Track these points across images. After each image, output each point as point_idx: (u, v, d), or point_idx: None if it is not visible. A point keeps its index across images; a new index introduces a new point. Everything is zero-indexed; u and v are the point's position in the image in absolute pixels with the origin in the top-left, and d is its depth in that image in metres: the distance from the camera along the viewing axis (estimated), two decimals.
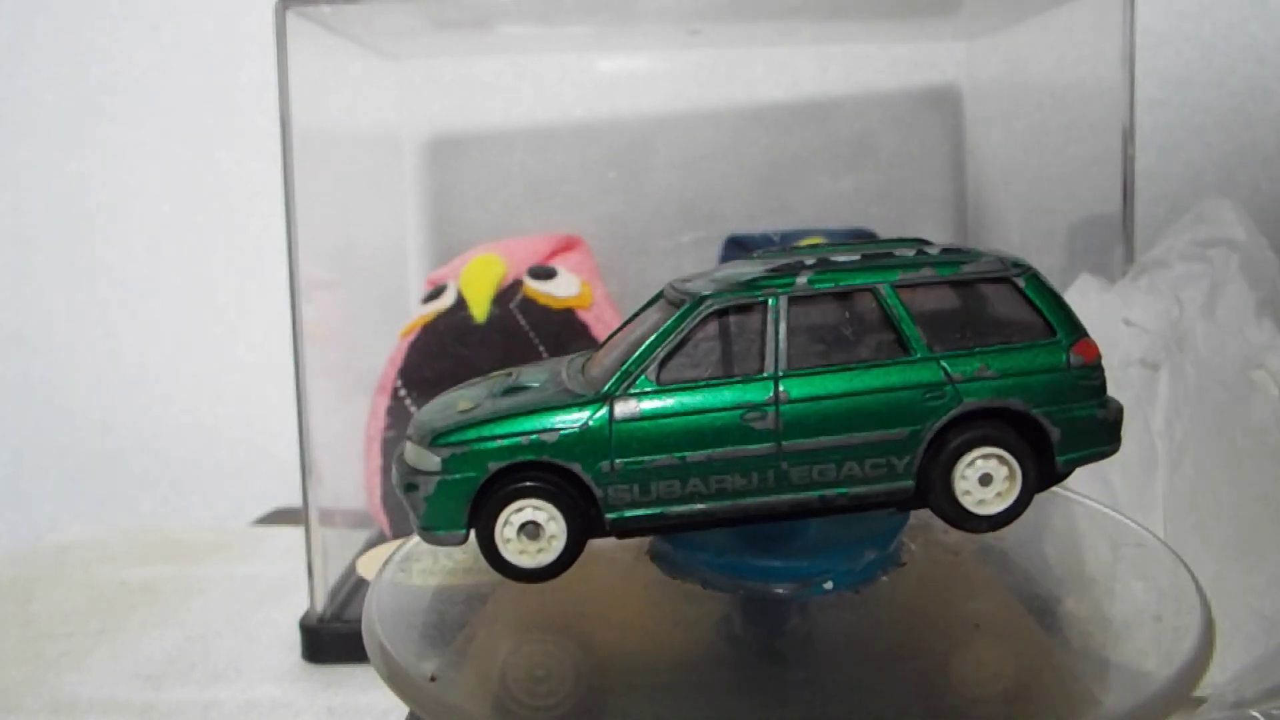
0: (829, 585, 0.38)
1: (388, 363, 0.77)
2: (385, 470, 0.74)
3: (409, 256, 0.95)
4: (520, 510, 0.36)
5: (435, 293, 0.79)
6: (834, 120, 0.93)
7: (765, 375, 0.37)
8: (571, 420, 0.36)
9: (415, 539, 0.43)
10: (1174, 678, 0.32)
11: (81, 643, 0.70)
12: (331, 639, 0.66)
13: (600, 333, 0.75)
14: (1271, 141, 0.88)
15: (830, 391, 0.37)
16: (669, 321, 0.38)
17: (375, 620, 0.37)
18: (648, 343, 0.37)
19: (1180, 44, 0.88)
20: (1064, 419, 0.37)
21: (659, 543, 0.41)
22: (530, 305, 0.76)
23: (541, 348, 0.74)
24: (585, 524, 0.37)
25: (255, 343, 1.02)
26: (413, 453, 0.38)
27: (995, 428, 0.37)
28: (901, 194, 0.93)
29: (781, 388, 0.37)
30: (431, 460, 0.37)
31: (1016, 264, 0.39)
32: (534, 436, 0.36)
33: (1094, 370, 0.38)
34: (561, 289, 0.78)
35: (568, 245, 0.86)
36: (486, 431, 0.36)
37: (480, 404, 0.38)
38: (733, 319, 0.38)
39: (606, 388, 0.37)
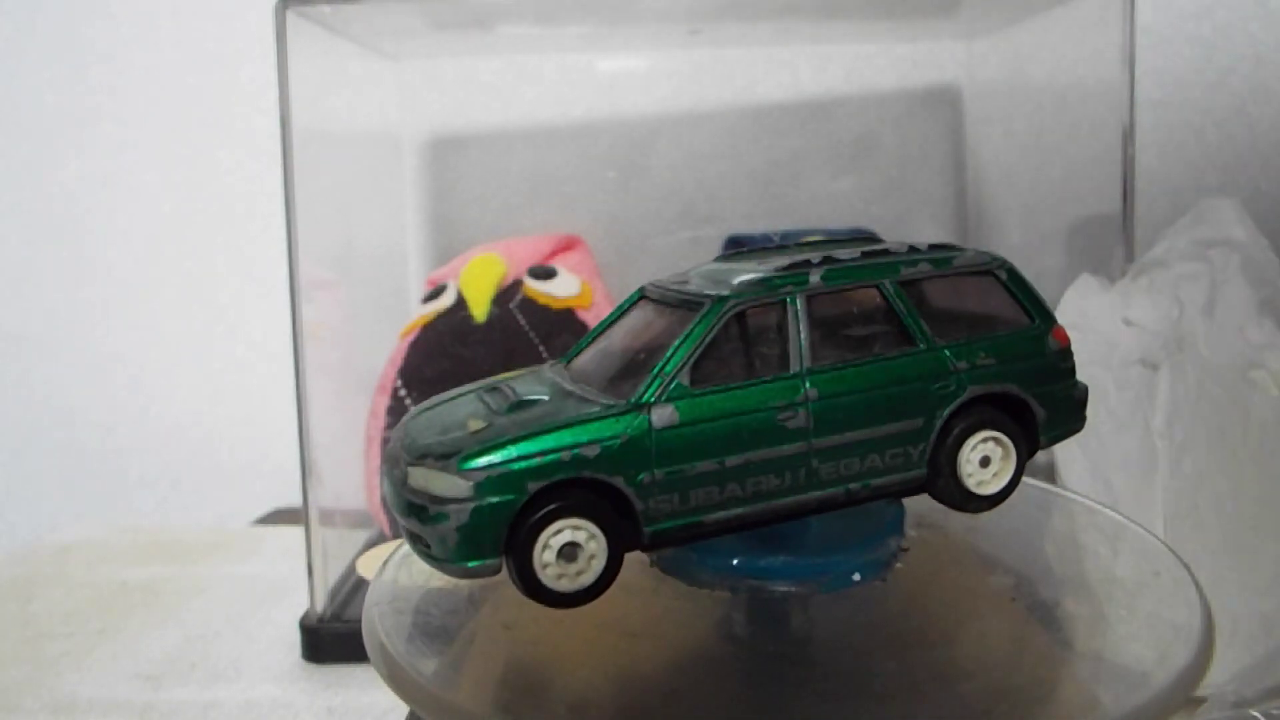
0: (857, 577, 0.39)
1: (388, 363, 0.77)
2: None
3: (409, 256, 0.95)
4: (559, 532, 0.34)
5: (435, 293, 0.79)
6: (834, 120, 0.93)
7: (793, 373, 0.37)
8: (611, 432, 0.34)
9: None
10: (1174, 678, 0.32)
11: (81, 643, 0.70)
12: (331, 639, 0.66)
13: None
14: (1271, 141, 0.88)
15: (853, 386, 0.37)
16: (695, 324, 0.37)
17: (375, 620, 0.37)
18: (676, 346, 0.36)
19: (1180, 44, 0.88)
20: (1048, 400, 0.40)
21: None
22: (530, 305, 0.76)
23: (541, 348, 0.74)
24: (623, 540, 0.35)
25: (255, 343, 1.02)
26: (428, 478, 0.34)
27: (993, 412, 0.39)
28: (901, 194, 0.93)
29: (809, 385, 0.37)
30: (460, 485, 0.33)
31: (994, 257, 0.41)
32: (575, 451, 0.34)
33: (1068, 353, 0.41)
34: (561, 289, 0.78)
35: (568, 245, 0.86)
36: (523, 450, 0.34)
37: (493, 421, 0.36)
38: (751, 319, 0.37)
39: (641, 395, 0.35)
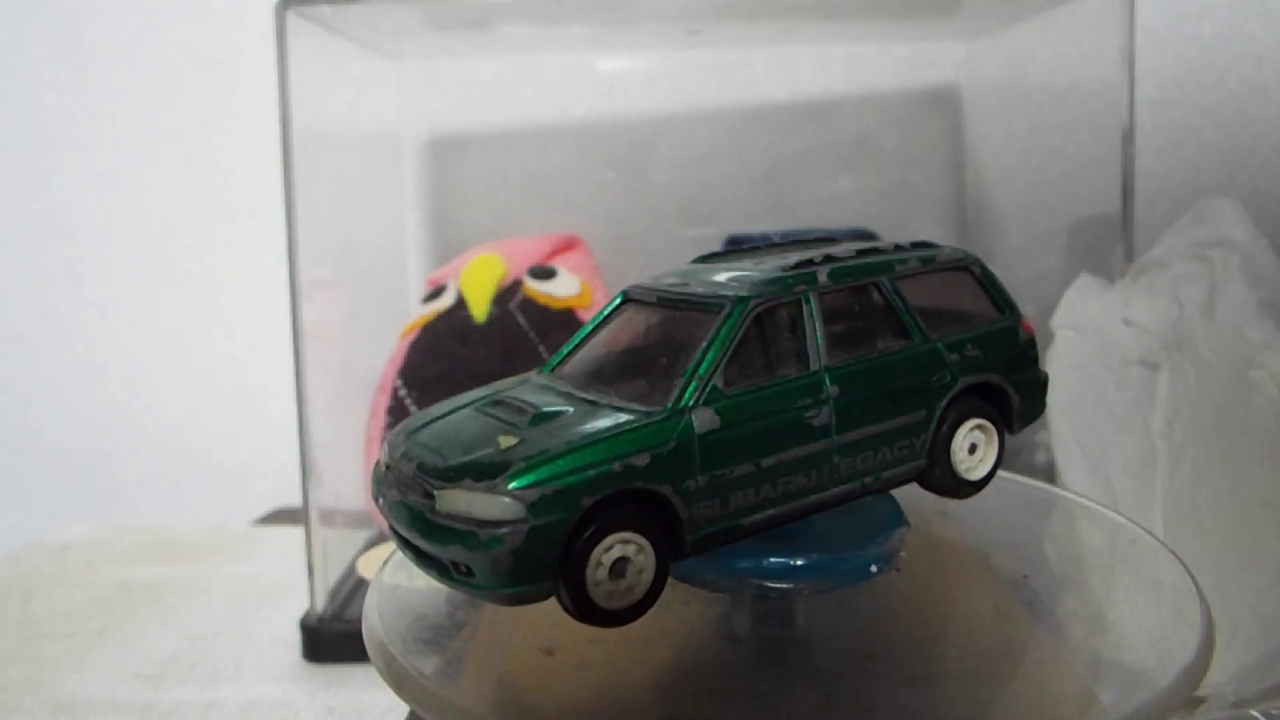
0: (875, 569, 0.39)
1: (388, 363, 0.77)
2: None
3: (409, 256, 0.95)
4: (609, 548, 0.32)
5: (435, 293, 0.79)
6: (834, 120, 0.93)
7: (814, 371, 0.37)
8: (659, 439, 0.33)
9: None
10: (1174, 678, 0.32)
11: (81, 643, 0.70)
12: (331, 639, 0.66)
13: None
14: (1271, 141, 0.88)
15: (868, 382, 0.38)
16: (721, 326, 0.36)
17: (375, 620, 0.37)
18: (705, 349, 0.36)
19: (1180, 44, 0.88)
20: (1021, 387, 0.42)
21: None
22: (530, 305, 0.76)
23: (541, 348, 0.74)
24: (668, 551, 0.34)
25: (255, 343, 1.02)
26: (470, 501, 0.32)
27: (978, 401, 0.41)
28: (901, 194, 0.93)
29: (829, 383, 0.37)
30: (511, 506, 0.31)
31: (968, 254, 0.43)
32: (626, 461, 0.32)
33: (1034, 343, 0.43)
34: (561, 289, 0.78)
35: (568, 245, 0.86)
36: (574, 464, 0.32)
37: (524, 436, 0.34)
38: (765, 318, 0.37)
39: (680, 400, 0.34)
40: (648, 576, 0.33)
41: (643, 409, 0.34)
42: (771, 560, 0.38)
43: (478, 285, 0.77)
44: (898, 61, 0.92)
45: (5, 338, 1.05)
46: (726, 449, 0.34)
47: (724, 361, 0.35)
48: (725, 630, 0.38)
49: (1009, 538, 0.44)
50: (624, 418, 0.34)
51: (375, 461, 0.38)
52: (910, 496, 0.41)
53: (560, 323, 0.76)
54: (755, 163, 0.93)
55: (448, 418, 0.37)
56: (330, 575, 0.69)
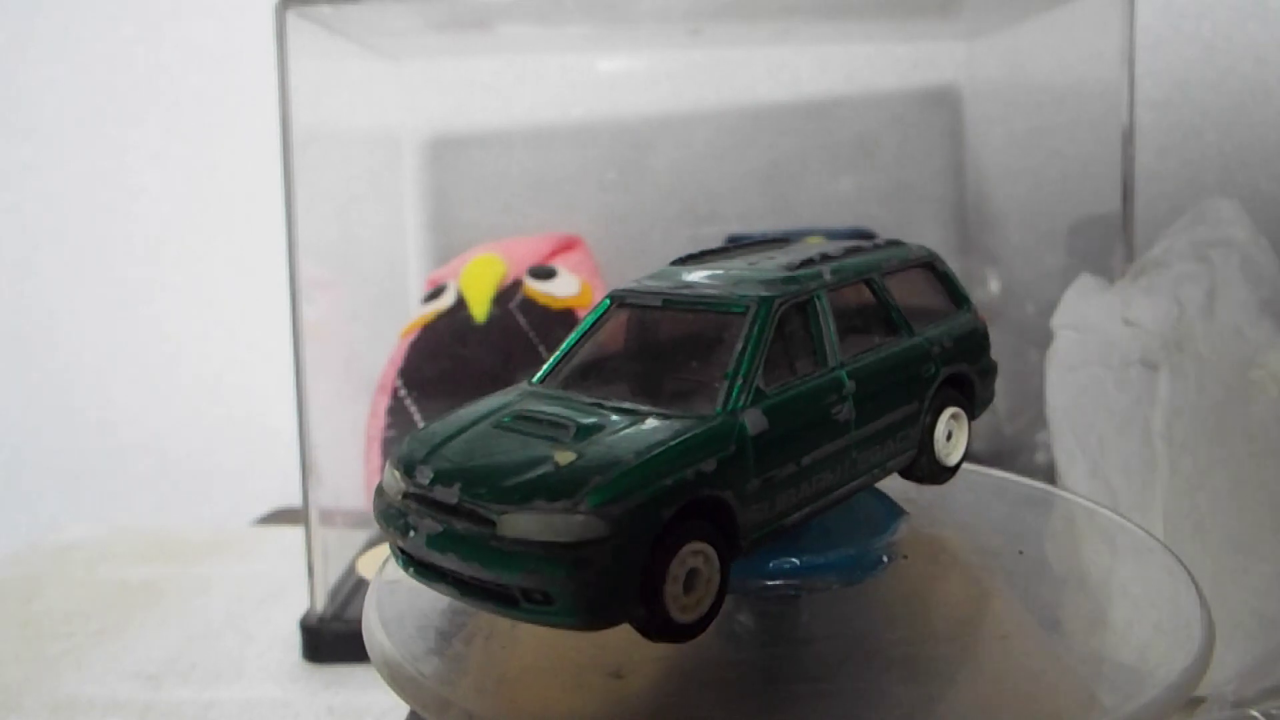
0: (885, 559, 0.39)
1: (388, 363, 0.77)
2: None
3: (409, 256, 0.95)
4: (683, 561, 0.31)
5: (435, 293, 0.79)
6: (834, 120, 0.93)
7: (833, 368, 0.37)
8: (722, 444, 0.32)
9: None
10: (1174, 678, 0.32)
11: (81, 643, 0.70)
12: (331, 639, 0.66)
13: None
14: (1271, 141, 0.88)
15: (875, 377, 0.38)
16: (752, 326, 0.36)
17: (375, 620, 0.37)
18: (742, 350, 0.35)
19: (1180, 44, 0.88)
20: (981, 376, 0.44)
21: None
22: (530, 305, 0.76)
23: (541, 348, 0.74)
24: (727, 557, 0.33)
25: (255, 343, 1.02)
26: (547, 523, 0.29)
27: (952, 391, 0.42)
28: (901, 194, 0.93)
29: (847, 379, 0.37)
30: (595, 525, 0.29)
31: (929, 250, 0.45)
32: (698, 468, 0.31)
33: (987, 333, 0.45)
34: (561, 289, 0.78)
35: (568, 245, 0.86)
36: (649, 475, 0.30)
37: (581, 451, 0.31)
38: (785, 318, 0.37)
39: (731, 402, 0.34)
40: (714, 585, 0.32)
41: (693, 415, 0.33)
42: (797, 559, 0.38)
43: (478, 285, 0.77)
44: (898, 61, 0.92)
45: (5, 338, 1.05)
46: (775, 449, 0.34)
47: (763, 362, 0.35)
48: (726, 629, 0.38)
49: (1009, 538, 0.44)
50: (679, 424, 0.32)
51: (378, 493, 0.35)
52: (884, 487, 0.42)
53: (560, 323, 0.76)
54: (755, 163, 0.93)
55: (463, 437, 0.34)
56: (330, 575, 0.69)
